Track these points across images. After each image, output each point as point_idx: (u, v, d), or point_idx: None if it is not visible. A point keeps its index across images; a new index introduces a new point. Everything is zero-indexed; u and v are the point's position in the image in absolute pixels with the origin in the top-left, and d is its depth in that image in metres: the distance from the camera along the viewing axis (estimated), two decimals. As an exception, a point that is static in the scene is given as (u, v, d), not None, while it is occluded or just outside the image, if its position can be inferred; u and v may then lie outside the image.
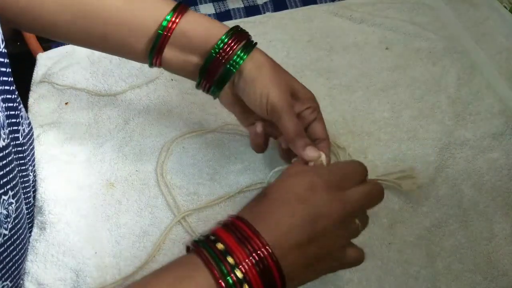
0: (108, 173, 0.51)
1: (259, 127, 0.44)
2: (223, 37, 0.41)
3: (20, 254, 0.43)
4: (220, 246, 0.31)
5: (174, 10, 0.41)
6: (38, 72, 0.60)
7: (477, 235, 0.47)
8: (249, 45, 0.42)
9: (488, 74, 0.59)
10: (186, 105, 0.57)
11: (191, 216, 0.48)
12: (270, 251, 0.31)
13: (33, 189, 0.49)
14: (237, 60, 0.41)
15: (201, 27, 0.41)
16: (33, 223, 0.48)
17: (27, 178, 0.45)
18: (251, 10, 0.67)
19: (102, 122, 0.55)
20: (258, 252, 0.31)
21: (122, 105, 0.57)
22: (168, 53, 0.42)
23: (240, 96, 0.43)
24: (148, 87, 0.59)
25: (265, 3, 0.67)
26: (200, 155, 0.52)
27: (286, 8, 0.67)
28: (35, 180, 0.50)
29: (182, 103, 0.57)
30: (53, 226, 0.47)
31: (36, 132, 0.54)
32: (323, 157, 0.40)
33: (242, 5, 0.67)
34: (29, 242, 0.46)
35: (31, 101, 0.58)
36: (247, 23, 0.65)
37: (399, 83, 0.58)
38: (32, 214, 0.49)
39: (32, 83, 0.59)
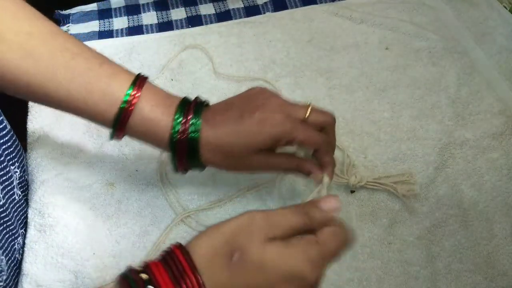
0: (108, 173, 0.51)
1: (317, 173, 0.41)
2: (175, 123, 0.40)
3: None
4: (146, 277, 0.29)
5: (134, 82, 0.40)
6: (38, 72, 0.60)
7: (477, 235, 0.47)
8: (198, 111, 0.41)
9: (488, 74, 0.59)
10: (186, 105, 0.57)
11: (192, 216, 0.48)
12: None
13: (20, 186, 0.49)
14: (194, 130, 0.40)
15: (153, 109, 0.40)
16: (26, 223, 0.48)
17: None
18: (251, 10, 0.67)
19: (102, 122, 0.55)
20: None
21: (122, 105, 0.57)
22: (130, 130, 0.41)
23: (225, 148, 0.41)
24: (148, 87, 0.59)
25: (265, 3, 0.67)
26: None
27: (286, 8, 0.67)
28: (23, 177, 0.50)
29: (182, 103, 0.57)
30: (52, 228, 0.47)
31: (36, 133, 0.54)
32: (326, 179, 0.41)
33: (242, 5, 0.67)
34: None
35: (31, 102, 0.57)
36: (247, 23, 0.65)
37: (399, 83, 0.58)
38: (24, 211, 0.49)
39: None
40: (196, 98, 0.42)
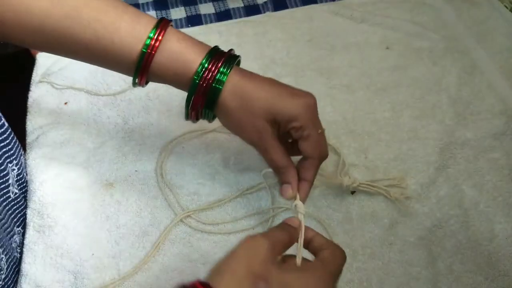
0: (108, 173, 0.51)
1: (289, 192, 0.41)
2: (203, 61, 0.40)
3: None
4: None
5: (156, 27, 0.40)
6: (37, 72, 0.60)
7: (478, 236, 0.46)
8: (231, 61, 0.41)
9: (489, 73, 0.59)
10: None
11: (192, 216, 0.48)
12: None
13: (20, 185, 0.49)
14: (221, 78, 0.40)
15: (179, 50, 0.40)
16: (25, 224, 0.48)
17: (7, 189, 0.46)
18: (251, 10, 0.67)
19: (101, 122, 0.55)
20: None
21: (121, 105, 0.57)
22: (153, 75, 0.41)
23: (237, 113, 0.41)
24: (147, 87, 0.58)
25: (265, 2, 0.67)
26: (200, 155, 0.52)
27: (286, 7, 0.67)
28: (22, 176, 0.50)
29: (182, 102, 0.57)
30: (51, 229, 0.47)
31: (35, 133, 0.54)
32: (298, 202, 0.40)
33: (242, 5, 0.67)
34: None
35: (30, 101, 0.57)
36: (247, 23, 0.65)
37: (400, 83, 0.58)
38: (23, 211, 0.49)
39: (31, 83, 0.59)
40: (231, 50, 0.42)
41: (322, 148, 0.41)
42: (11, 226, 0.46)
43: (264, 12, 0.67)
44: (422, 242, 0.46)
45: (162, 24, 0.40)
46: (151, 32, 0.39)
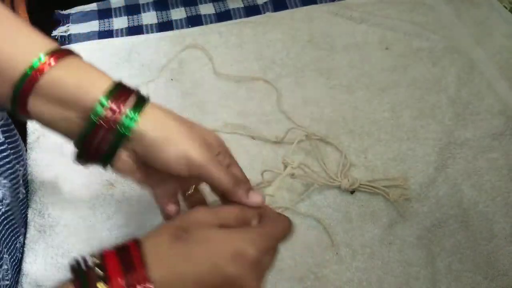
0: (108, 173, 0.51)
1: (172, 208, 0.38)
2: (102, 98, 0.32)
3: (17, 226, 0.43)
4: (98, 271, 0.29)
5: (52, 51, 0.33)
6: (38, 72, 0.60)
7: (477, 235, 0.47)
8: (140, 102, 0.34)
9: (488, 74, 0.59)
10: (186, 105, 0.57)
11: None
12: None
13: (24, 182, 0.49)
14: (128, 123, 0.33)
15: (74, 78, 0.33)
16: (26, 223, 0.48)
17: (18, 182, 0.46)
18: (251, 10, 0.67)
19: (102, 122, 0.55)
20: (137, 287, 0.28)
21: (122, 105, 0.57)
22: (37, 103, 0.33)
23: (145, 161, 0.35)
24: (148, 87, 0.59)
25: (265, 3, 0.67)
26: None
27: (286, 8, 0.67)
28: (25, 174, 0.50)
29: (182, 103, 0.57)
30: (52, 229, 0.47)
31: (35, 134, 0.54)
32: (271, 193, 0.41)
33: (242, 5, 0.67)
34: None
35: None
36: (247, 23, 0.65)
37: (399, 83, 0.58)
38: (25, 208, 0.49)
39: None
40: (137, 90, 0.36)
41: (232, 179, 0.35)
42: (19, 227, 0.47)
43: (264, 13, 0.67)
44: (422, 242, 0.46)
45: (60, 51, 0.33)
46: (43, 55, 0.32)
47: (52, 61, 0.32)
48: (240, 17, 0.67)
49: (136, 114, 0.33)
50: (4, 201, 0.42)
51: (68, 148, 0.53)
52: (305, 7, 0.67)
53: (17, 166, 0.47)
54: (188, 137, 0.35)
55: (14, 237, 0.45)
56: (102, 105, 0.32)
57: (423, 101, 0.56)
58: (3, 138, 0.44)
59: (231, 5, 0.68)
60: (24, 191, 0.48)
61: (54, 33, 0.66)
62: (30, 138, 0.54)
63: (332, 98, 0.57)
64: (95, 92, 0.33)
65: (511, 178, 0.50)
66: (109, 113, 0.32)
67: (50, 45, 0.34)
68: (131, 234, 0.47)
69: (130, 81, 0.59)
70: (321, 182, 0.49)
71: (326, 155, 0.52)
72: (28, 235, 0.47)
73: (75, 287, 0.29)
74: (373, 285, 0.44)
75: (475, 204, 0.49)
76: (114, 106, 0.33)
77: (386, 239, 0.47)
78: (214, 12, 0.68)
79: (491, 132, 0.53)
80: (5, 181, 0.44)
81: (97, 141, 0.33)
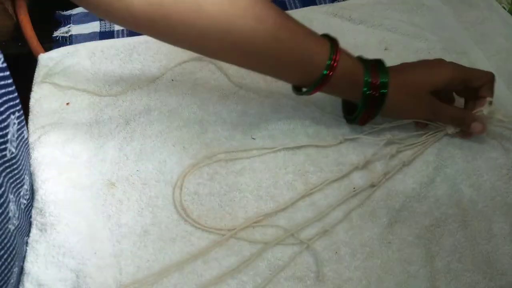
0: (109, 173, 0.51)
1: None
2: (365, 77, 0.48)
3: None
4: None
5: (332, 47, 0.46)
6: (40, 72, 0.61)
7: (476, 235, 0.47)
8: (382, 67, 0.49)
9: (487, 74, 0.59)
10: (187, 105, 0.57)
11: (195, 213, 0.49)
12: None
13: (31, 191, 0.49)
14: (383, 86, 0.48)
15: (347, 68, 0.47)
16: (30, 224, 0.48)
17: (21, 183, 0.46)
18: (251, 11, 0.67)
19: (103, 122, 0.56)
20: None
21: (123, 105, 0.57)
22: (323, 90, 0.49)
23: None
24: (149, 87, 0.59)
25: (265, 4, 0.68)
26: (200, 155, 0.53)
27: (285, 9, 0.68)
28: (31, 183, 0.50)
29: (183, 103, 0.57)
30: (54, 227, 0.47)
31: (37, 133, 0.54)
32: (485, 110, 0.50)
33: (242, 6, 0.68)
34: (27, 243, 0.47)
35: (32, 101, 0.58)
36: (247, 24, 0.65)
37: (399, 84, 0.58)
38: (29, 214, 0.49)
39: (33, 83, 0.60)
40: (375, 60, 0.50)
41: (485, 76, 0.51)
42: (27, 228, 0.47)
43: (264, 14, 0.67)
44: (421, 241, 0.47)
45: (335, 48, 0.47)
46: (330, 55, 0.46)
47: (336, 60, 0.46)
48: (240, 18, 0.67)
49: (386, 79, 0.48)
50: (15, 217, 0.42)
51: (70, 147, 0.53)
52: (304, 8, 0.68)
53: (26, 177, 0.48)
54: (412, 108, 0.52)
55: (22, 238, 0.45)
56: (366, 85, 0.48)
57: (422, 102, 0.57)
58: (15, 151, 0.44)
59: (232, 6, 0.69)
60: (25, 202, 0.48)
61: (55, 33, 0.67)
62: (32, 138, 0.54)
63: (332, 98, 0.57)
64: (361, 80, 0.48)
65: (510, 178, 0.51)
66: (372, 86, 0.48)
67: (326, 44, 0.47)
68: (132, 233, 0.47)
69: (131, 81, 0.60)
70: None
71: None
72: (29, 234, 0.47)
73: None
74: (373, 284, 0.44)
75: (474, 204, 0.49)
76: (373, 80, 0.48)
77: (385, 238, 0.47)
78: (214, 13, 0.68)
79: (490, 132, 0.54)
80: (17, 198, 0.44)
81: (372, 106, 0.50)
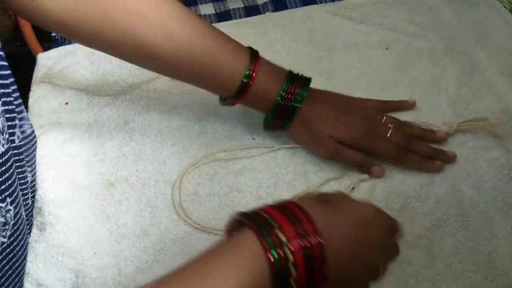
0: (108, 173, 0.51)
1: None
2: (281, 92, 0.48)
3: (20, 260, 0.43)
4: (269, 220, 0.32)
5: (251, 60, 0.47)
6: (38, 72, 0.60)
7: (477, 235, 0.47)
8: (306, 85, 0.49)
9: (488, 74, 0.59)
10: (186, 105, 0.57)
11: (194, 213, 0.48)
12: (320, 241, 0.31)
13: (32, 191, 0.49)
14: (298, 99, 0.48)
15: (265, 81, 0.48)
16: (32, 226, 0.48)
17: (24, 181, 0.46)
18: (251, 10, 0.67)
19: (102, 122, 0.56)
20: (308, 238, 0.31)
21: (122, 105, 0.57)
22: (242, 101, 0.49)
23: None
24: (148, 87, 0.59)
25: (265, 3, 0.67)
26: (200, 155, 0.52)
27: (286, 8, 0.67)
28: (34, 181, 0.50)
29: (182, 103, 0.57)
30: (53, 227, 0.47)
31: (36, 133, 0.54)
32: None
33: (242, 5, 0.68)
34: (28, 246, 0.47)
35: (31, 101, 0.58)
36: (247, 23, 0.65)
37: (399, 83, 0.58)
38: (31, 217, 0.49)
39: (32, 83, 0.59)
40: (301, 74, 0.50)
41: (391, 153, 0.50)
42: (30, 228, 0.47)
43: (264, 13, 0.67)
44: (421, 242, 0.46)
45: (255, 58, 0.48)
46: (249, 65, 0.47)
47: (255, 68, 0.47)
48: (240, 17, 0.67)
49: (304, 92, 0.48)
50: (6, 226, 0.42)
51: (69, 147, 0.53)
52: (305, 7, 0.67)
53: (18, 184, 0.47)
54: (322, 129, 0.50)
55: (16, 271, 0.44)
56: (283, 93, 0.48)
57: (423, 101, 0.56)
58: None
59: (231, 5, 0.68)
60: (24, 213, 0.48)
61: (54, 33, 0.67)
62: (30, 138, 0.54)
63: (332, 98, 0.57)
64: (278, 88, 0.48)
65: None
66: (287, 95, 0.48)
67: (246, 53, 0.48)
68: (131, 234, 0.47)
69: (130, 81, 0.60)
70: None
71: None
72: (30, 235, 0.47)
73: (253, 231, 0.31)
74: (373, 285, 0.44)
75: (475, 204, 0.49)
76: (290, 90, 0.48)
77: (386, 238, 0.47)
78: (214, 12, 0.68)
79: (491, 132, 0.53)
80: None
81: (281, 115, 0.49)
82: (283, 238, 0.30)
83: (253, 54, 0.48)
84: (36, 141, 0.52)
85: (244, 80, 0.47)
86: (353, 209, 0.36)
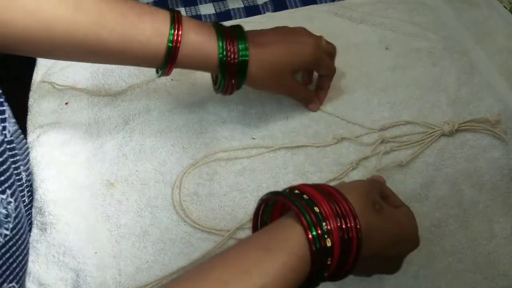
0: (108, 173, 0.51)
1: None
2: (220, 43, 0.46)
3: (23, 254, 0.43)
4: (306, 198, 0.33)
5: (173, 21, 0.44)
6: (38, 72, 0.60)
7: (477, 235, 0.47)
8: (241, 35, 0.47)
9: (488, 74, 0.59)
10: (186, 105, 0.57)
11: (194, 214, 0.48)
12: (357, 222, 0.33)
13: (28, 190, 0.49)
14: (244, 53, 0.46)
15: (194, 39, 0.45)
16: (31, 224, 0.48)
17: (20, 182, 0.45)
18: (251, 10, 0.67)
19: (102, 122, 0.55)
20: (346, 218, 0.33)
21: (122, 105, 0.57)
22: (183, 59, 0.45)
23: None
24: (148, 87, 0.59)
25: (265, 3, 0.67)
26: (200, 155, 0.52)
27: (286, 8, 0.67)
28: (29, 180, 0.50)
29: (182, 103, 0.57)
30: (53, 226, 0.47)
31: (36, 132, 0.54)
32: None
33: (242, 5, 0.67)
34: (29, 241, 0.47)
35: (31, 101, 0.57)
36: (247, 23, 0.65)
37: (399, 83, 0.58)
38: (30, 215, 0.49)
39: (32, 83, 0.59)
40: (231, 26, 0.48)
41: (332, 69, 0.54)
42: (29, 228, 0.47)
43: (264, 13, 0.67)
44: (421, 242, 0.46)
45: (176, 18, 0.44)
46: (171, 28, 0.44)
47: (179, 30, 0.44)
48: (240, 17, 0.67)
49: (245, 44, 0.46)
50: (8, 218, 0.42)
51: (69, 147, 0.53)
52: (305, 7, 0.67)
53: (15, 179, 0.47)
54: (272, 80, 0.50)
55: (20, 265, 0.44)
56: (222, 50, 0.45)
57: (422, 101, 0.56)
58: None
59: (231, 5, 0.68)
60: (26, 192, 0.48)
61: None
62: (30, 137, 0.54)
63: (332, 98, 0.57)
64: (214, 46, 0.45)
65: None
66: (229, 51, 0.46)
67: (166, 15, 0.44)
68: (131, 234, 0.47)
69: (130, 81, 0.59)
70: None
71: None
72: (30, 234, 0.47)
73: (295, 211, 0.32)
74: (373, 284, 0.44)
75: (475, 204, 0.49)
76: (229, 45, 0.46)
77: (386, 239, 0.47)
78: (214, 12, 0.68)
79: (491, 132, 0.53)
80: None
81: (232, 74, 0.47)
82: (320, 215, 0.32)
83: (174, 15, 0.45)
84: (26, 141, 0.52)
85: (170, 45, 0.44)
86: (398, 222, 0.38)
